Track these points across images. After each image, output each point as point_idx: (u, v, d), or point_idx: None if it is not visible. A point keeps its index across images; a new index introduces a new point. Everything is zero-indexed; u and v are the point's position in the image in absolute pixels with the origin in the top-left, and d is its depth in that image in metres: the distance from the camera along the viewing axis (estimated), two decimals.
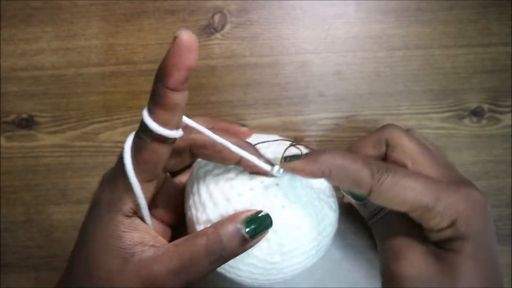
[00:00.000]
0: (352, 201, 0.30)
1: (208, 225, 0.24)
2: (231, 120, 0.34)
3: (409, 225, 0.26)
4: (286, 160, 0.25)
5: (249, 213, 0.23)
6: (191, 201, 0.26)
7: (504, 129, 0.37)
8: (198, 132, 0.24)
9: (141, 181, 0.23)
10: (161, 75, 0.21)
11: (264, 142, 0.28)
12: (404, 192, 0.23)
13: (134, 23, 0.37)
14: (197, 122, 0.24)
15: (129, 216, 0.23)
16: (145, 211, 0.24)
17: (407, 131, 0.28)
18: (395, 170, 0.24)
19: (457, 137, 0.37)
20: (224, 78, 0.37)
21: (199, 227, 0.25)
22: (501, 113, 0.37)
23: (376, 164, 0.24)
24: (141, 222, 0.24)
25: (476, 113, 0.37)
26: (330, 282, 0.34)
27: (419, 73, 0.37)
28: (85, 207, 0.37)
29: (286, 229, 0.25)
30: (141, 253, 0.23)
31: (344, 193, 0.30)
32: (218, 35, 0.37)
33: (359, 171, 0.24)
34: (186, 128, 0.23)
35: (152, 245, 0.23)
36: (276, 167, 0.25)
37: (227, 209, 0.24)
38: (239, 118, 0.37)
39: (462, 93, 0.37)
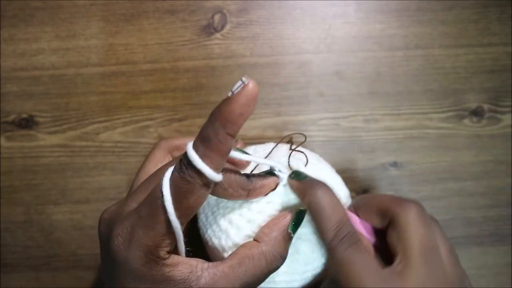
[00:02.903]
0: None
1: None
2: (247, 131, 0.34)
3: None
4: (291, 176, 0.25)
5: (291, 216, 0.24)
6: (210, 231, 0.26)
7: (504, 129, 0.37)
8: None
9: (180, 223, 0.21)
10: (226, 120, 0.20)
11: (266, 144, 0.28)
12: (346, 272, 0.23)
13: (134, 23, 0.37)
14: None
15: (167, 258, 0.22)
16: (183, 250, 0.23)
17: (428, 219, 0.25)
18: (358, 249, 0.23)
19: (457, 137, 0.37)
20: (224, 78, 0.37)
21: (227, 254, 0.25)
22: (501, 113, 0.37)
23: (348, 230, 0.23)
24: (178, 255, 0.23)
25: (476, 113, 0.37)
26: None
27: (419, 73, 0.37)
28: (85, 207, 0.37)
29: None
30: (197, 281, 0.22)
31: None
32: (218, 35, 0.37)
33: (328, 224, 0.23)
34: None
35: (202, 270, 0.22)
36: (284, 178, 0.25)
37: (251, 229, 0.25)
38: None
39: (462, 93, 0.37)
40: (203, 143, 0.20)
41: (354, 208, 0.28)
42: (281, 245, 0.23)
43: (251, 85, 0.20)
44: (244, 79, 0.20)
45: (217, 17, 0.37)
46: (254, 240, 0.24)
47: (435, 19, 0.37)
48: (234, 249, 0.24)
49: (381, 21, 0.37)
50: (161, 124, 0.37)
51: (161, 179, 0.21)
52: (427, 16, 0.37)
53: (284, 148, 0.29)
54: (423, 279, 0.23)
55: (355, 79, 0.37)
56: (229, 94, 0.20)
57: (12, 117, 0.37)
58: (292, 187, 0.25)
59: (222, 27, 0.37)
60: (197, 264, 0.22)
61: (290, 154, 0.27)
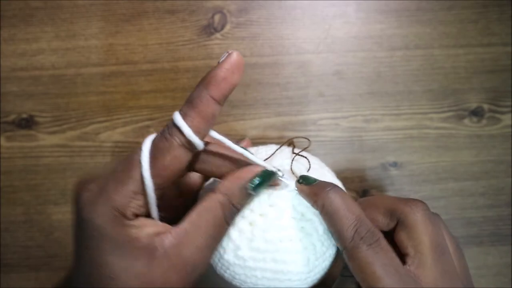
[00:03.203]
0: None
1: (238, 252, 0.24)
2: (247, 131, 0.34)
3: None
4: (299, 181, 0.25)
5: (255, 173, 0.24)
6: None
7: (504, 129, 0.37)
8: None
9: (155, 186, 0.21)
10: (209, 83, 0.21)
11: (267, 146, 0.28)
12: (369, 272, 0.22)
13: (134, 23, 0.37)
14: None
15: (133, 219, 0.22)
16: (156, 213, 0.23)
17: (434, 216, 0.25)
18: (378, 248, 0.23)
19: (457, 137, 0.37)
20: None
21: (228, 256, 0.25)
22: (501, 113, 0.37)
23: (366, 229, 0.23)
24: (146, 218, 0.23)
25: (476, 113, 0.37)
26: None
27: (419, 73, 0.37)
28: None
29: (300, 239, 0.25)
30: (162, 243, 0.22)
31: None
32: (218, 35, 0.37)
33: (345, 226, 0.23)
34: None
35: (168, 232, 0.22)
36: (292, 184, 0.25)
37: (252, 232, 0.24)
38: (239, 118, 0.37)
39: (462, 93, 0.37)
40: (186, 104, 0.21)
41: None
42: (237, 197, 0.23)
43: (234, 53, 0.21)
44: (229, 50, 0.21)
45: (217, 17, 0.37)
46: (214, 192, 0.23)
47: (434, 19, 0.37)
48: (238, 252, 0.24)
49: (381, 21, 0.37)
50: (161, 124, 0.37)
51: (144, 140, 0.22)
52: (427, 16, 0.37)
53: (286, 151, 0.29)
54: (436, 276, 0.23)
55: (355, 79, 0.37)
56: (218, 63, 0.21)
57: (12, 117, 0.37)
58: (301, 192, 0.25)
59: (222, 27, 0.37)
60: (163, 226, 0.22)
61: (293, 159, 0.27)
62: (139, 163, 0.21)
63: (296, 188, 0.25)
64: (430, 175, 0.38)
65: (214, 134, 0.23)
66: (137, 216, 0.22)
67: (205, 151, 0.24)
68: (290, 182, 0.25)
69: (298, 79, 0.37)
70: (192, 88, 0.37)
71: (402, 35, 0.37)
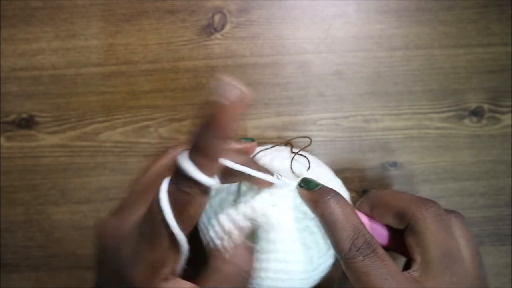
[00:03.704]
0: None
1: None
2: (247, 131, 0.33)
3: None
4: (300, 184, 0.25)
5: (247, 229, 0.24)
6: (212, 233, 0.26)
7: (504, 129, 0.37)
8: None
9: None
10: (218, 127, 0.19)
11: (266, 149, 0.28)
12: (363, 280, 0.22)
13: (134, 23, 0.37)
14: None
15: (169, 279, 0.22)
16: (180, 268, 0.23)
17: (448, 221, 0.24)
18: (374, 260, 0.23)
19: (457, 137, 0.37)
20: None
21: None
22: (501, 113, 0.37)
23: (364, 240, 0.23)
24: (180, 279, 0.23)
25: (476, 113, 0.37)
26: None
27: (419, 73, 0.37)
28: (85, 207, 0.37)
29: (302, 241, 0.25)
30: None
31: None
32: (218, 35, 0.37)
33: (342, 236, 0.23)
34: None
35: None
36: (293, 184, 0.25)
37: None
38: (239, 118, 0.37)
39: (462, 93, 0.37)
40: (198, 152, 0.20)
41: (369, 206, 0.27)
42: (245, 260, 0.23)
43: (244, 91, 0.19)
44: (233, 83, 0.19)
45: (217, 17, 0.37)
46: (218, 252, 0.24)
47: (434, 19, 0.37)
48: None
49: (381, 21, 0.37)
50: (161, 124, 0.37)
51: (158, 193, 0.21)
52: (426, 16, 0.37)
53: (286, 151, 0.29)
54: (442, 285, 0.23)
55: (355, 79, 0.37)
56: (219, 97, 0.19)
57: (12, 117, 0.37)
58: (302, 197, 0.25)
59: (222, 27, 0.37)
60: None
61: (292, 158, 0.27)
62: (164, 222, 0.20)
63: (297, 191, 0.25)
64: (430, 175, 0.38)
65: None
66: (173, 275, 0.22)
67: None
68: (291, 182, 0.25)
69: (298, 79, 0.37)
70: (192, 88, 0.37)
71: (402, 35, 0.37)
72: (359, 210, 0.27)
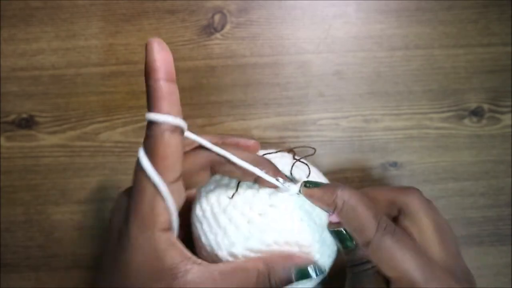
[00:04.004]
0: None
1: (233, 249, 0.24)
2: (238, 134, 0.34)
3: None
4: (307, 185, 0.25)
5: (303, 262, 0.24)
6: (205, 226, 0.26)
7: (504, 129, 0.37)
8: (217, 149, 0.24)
9: (168, 182, 0.22)
10: (151, 71, 0.22)
11: (267, 153, 0.28)
12: (398, 260, 0.23)
13: (134, 23, 0.37)
14: (205, 139, 0.24)
15: (165, 230, 0.22)
16: (174, 217, 0.22)
17: (428, 202, 0.27)
18: (401, 236, 0.24)
19: (457, 137, 0.37)
20: (224, 78, 0.37)
21: (222, 252, 0.24)
22: (501, 113, 0.37)
23: (385, 221, 0.24)
24: (175, 237, 0.23)
25: (476, 113, 0.37)
26: None
27: (419, 73, 0.37)
28: (85, 207, 0.37)
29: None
30: (184, 274, 0.21)
31: (331, 234, 0.27)
32: (218, 35, 0.37)
33: (367, 220, 0.23)
34: (202, 146, 0.24)
35: (192, 264, 0.22)
36: (295, 188, 0.25)
37: (250, 230, 0.24)
38: (239, 118, 0.37)
39: (462, 93, 0.37)
40: (149, 102, 0.22)
41: None
42: (277, 274, 0.23)
43: (152, 39, 0.22)
44: (149, 40, 0.22)
45: (217, 17, 0.37)
46: (260, 258, 0.24)
47: (434, 19, 0.37)
48: (232, 248, 0.24)
49: (381, 21, 0.37)
50: None
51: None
52: (426, 16, 0.37)
53: (287, 157, 0.29)
54: (443, 256, 0.25)
55: (355, 79, 0.37)
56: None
57: (12, 117, 0.37)
58: (311, 195, 0.25)
59: (222, 27, 0.37)
60: (191, 257, 0.22)
61: (293, 164, 0.27)
62: (141, 168, 0.22)
63: (303, 193, 0.25)
64: (430, 175, 0.38)
65: (215, 148, 0.23)
66: (169, 228, 0.22)
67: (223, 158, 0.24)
68: (292, 187, 0.25)
69: (298, 79, 0.37)
70: (192, 88, 0.37)
71: (402, 35, 0.37)
72: None
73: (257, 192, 0.25)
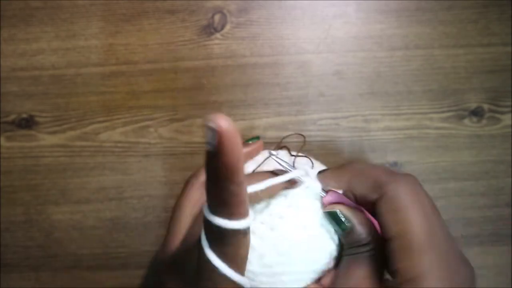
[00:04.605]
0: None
1: (263, 260, 0.24)
2: (247, 131, 0.33)
3: (373, 273, 0.25)
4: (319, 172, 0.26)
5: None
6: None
7: (504, 129, 0.37)
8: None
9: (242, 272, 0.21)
10: (230, 174, 0.18)
11: (259, 164, 0.28)
12: (407, 210, 0.23)
13: (134, 23, 0.37)
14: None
15: None
16: None
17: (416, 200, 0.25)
18: (410, 187, 0.24)
19: (457, 137, 0.37)
20: (224, 78, 0.37)
21: (252, 266, 0.25)
22: (501, 113, 0.37)
23: (396, 173, 0.24)
24: None
25: (476, 113, 0.37)
26: None
27: (419, 73, 0.37)
28: (85, 207, 0.37)
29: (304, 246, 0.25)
30: None
31: (326, 217, 0.27)
32: (218, 35, 0.37)
33: (379, 172, 0.24)
34: None
35: None
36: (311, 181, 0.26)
37: (275, 236, 0.24)
38: (239, 118, 0.37)
39: (462, 93, 0.37)
40: (222, 206, 0.19)
41: (350, 174, 0.26)
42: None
43: (224, 127, 0.17)
44: (211, 123, 0.16)
45: (217, 17, 0.37)
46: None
47: (434, 19, 0.37)
48: (262, 260, 0.24)
49: (381, 21, 0.37)
50: (161, 124, 0.37)
51: (203, 251, 0.20)
52: (426, 16, 0.37)
53: (282, 154, 0.29)
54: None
55: (355, 79, 0.37)
56: (208, 147, 0.17)
57: (12, 117, 0.37)
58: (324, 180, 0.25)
59: (222, 27, 0.37)
60: None
61: (294, 160, 0.27)
62: (227, 280, 0.21)
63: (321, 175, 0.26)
64: (430, 175, 0.38)
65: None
66: None
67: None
68: (305, 180, 0.25)
69: (298, 79, 0.37)
70: (192, 88, 0.37)
71: (402, 35, 0.37)
72: (339, 179, 0.27)
73: (271, 199, 0.25)
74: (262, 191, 0.23)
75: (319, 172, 0.26)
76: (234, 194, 0.18)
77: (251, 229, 0.24)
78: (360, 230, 0.25)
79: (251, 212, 0.20)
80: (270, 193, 0.25)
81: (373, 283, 0.24)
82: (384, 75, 0.37)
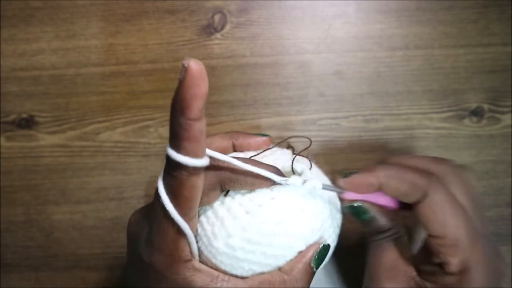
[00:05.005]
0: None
1: (229, 240, 0.24)
2: (245, 132, 0.33)
3: (400, 256, 0.26)
4: (346, 175, 0.26)
5: (315, 250, 0.25)
6: (203, 217, 0.25)
7: (504, 129, 0.37)
8: (226, 163, 0.23)
9: (188, 220, 0.22)
10: (181, 108, 0.20)
11: (264, 151, 0.28)
12: (448, 215, 0.24)
13: (134, 23, 0.37)
14: (216, 140, 0.24)
15: (189, 260, 0.23)
16: (195, 245, 0.23)
17: (463, 171, 0.26)
18: (450, 192, 0.24)
19: (457, 137, 0.37)
20: (224, 78, 0.37)
21: (217, 242, 0.24)
22: (501, 113, 0.37)
23: (434, 176, 0.24)
24: (198, 262, 0.24)
25: (476, 113, 0.37)
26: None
27: (419, 73, 0.37)
28: (85, 207, 0.37)
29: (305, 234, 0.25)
30: None
31: (347, 211, 0.28)
32: (218, 35, 0.37)
33: (417, 179, 0.24)
34: (212, 159, 0.23)
35: (222, 281, 0.23)
36: (299, 179, 0.25)
37: (248, 221, 0.24)
38: (239, 118, 0.37)
39: (462, 93, 0.37)
40: (173, 138, 0.21)
41: (384, 177, 0.26)
42: (303, 277, 0.24)
43: (191, 63, 0.20)
44: (184, 62, 0.20)
45: (217, 17, 0.37)
46: (280, 270, 0.25)
47: (434, 19, 0.37)
48: (228, 239, 0.24)
49: (381, 21, 0.37)
50: (161, 124, 0.37)
51: (157, 182, 0.22)
52: (426, 16, 0.37)
53: (286, 152, 0.29)
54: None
55: (355, 79, 0.37)
56: (179, 78, 0.20)
57: (12, 117, 0.37)
58: (353, 184, 0.25)
59: (222, 27, 0.37)
60: (218, 275, 0.24)
61: (293, 159, 0.27)
62: (164, 209, 0.22)
63: (345, 183, 0.25)
64: None
65: (216, 154, 0.23)
66: (191, 254, 0.23)
67: (229, 169, 0.23)
68: (294, 179, 0.25)
69: (298, 79, 0.37)
70: None
71: (402, 35, 0.37)
72: (368, 184, 0.26)
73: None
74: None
75: (345, 176, 0.26)
76: (183, 128, 0.20)
77: (228, 205, 0.24)
78: (381, 218, 0.26)
79: (206, 159, 0.21)
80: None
81: (406, 262, 0.26)
82: (384, 75, 0.37)
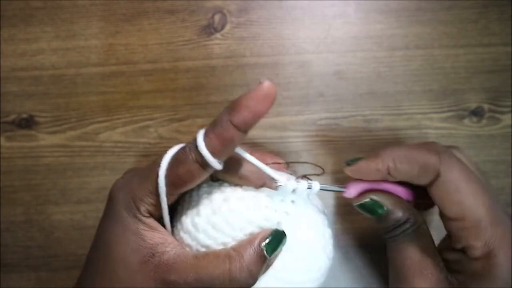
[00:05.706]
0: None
1: (195, 218, 0.24)
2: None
3: (425, 247, 0.24)
4: (350, 163, 0.25)
5: (267, 233, 0.24)
6: (187, 195, 0.26)
7: (504, 129, 0.37)
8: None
9: (169, 195, 0.23)
10: (232, 109, 0.21)
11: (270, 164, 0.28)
12: (464, 193, 0.22)
13: (134, 23, 0.37)
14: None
15: (146, 217, 0.24)
16: (167, 218, 0.24)
17: (455, 151, 0.25)
18: (464, 166, 0.23)
19: (457, 137, 0.37)
20: (224, 78, 0.37)
21: (186, 218, 0.25)
22: (501, 113, 0.37)
23: (439, 147, 0.23)
24: (159, 224, 0.24)
25: (476, 113, 0.37)
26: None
27: (419, 73, 0.37)
28: (85, 207, 0.37)
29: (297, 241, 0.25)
30: (161, 255, 0.23)
31: (359, 210, 0.27)
32: (218, 35, 0.37)
33: (427, 157, 0.23)
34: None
35: (172, 248, 0.23)
36: (316, 185, 0.25)
37: (220, 207, 0.25)
38: None
39: (462, 93, 0.37)
40: (210, 126, 0.22)
41: (392, 162, 0.25)
42: (251, 258, 0.23)
43: (266, 83, 0.21)
44: (263, 79, 0.21)
45: (217, 17, 0.37)
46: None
47: (434, 19, 0.37)
48: (193, 217, 0.25)
49: (381, 21, 0.37)
50: (161, 124, 0.37)
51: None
52: (426, 16, 0.37)
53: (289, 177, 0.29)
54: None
55: (355, 79, 0.37)
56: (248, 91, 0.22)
57: (12, 117, 0.37)
58: (358, 171, 0.25)
59: (222, 27, 0.37)
60: (170, 240, 0.24)
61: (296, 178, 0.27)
62: (158, 166, 0.23)
63: (351, 172, 0.26)
64: None
65: (244, 154, 0.24)
66: (150, 215, 0.24)
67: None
68: (305, 183, 0.25)
69: (298, 79, 0.37)
70: (192, 88, 0.37)
71: (402, 35, 0.37)
72: (381, 165, 0.25)
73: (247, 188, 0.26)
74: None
75: (349, 164, 0.26)
76: (221, 123, 0.21)
77: (210, 190, 0.25)
78: (397, 211, 0.24)
79: (218, 164, 0.22)
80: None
81: (432, 253, 0.24)
82: (384, 75, 0.37)
